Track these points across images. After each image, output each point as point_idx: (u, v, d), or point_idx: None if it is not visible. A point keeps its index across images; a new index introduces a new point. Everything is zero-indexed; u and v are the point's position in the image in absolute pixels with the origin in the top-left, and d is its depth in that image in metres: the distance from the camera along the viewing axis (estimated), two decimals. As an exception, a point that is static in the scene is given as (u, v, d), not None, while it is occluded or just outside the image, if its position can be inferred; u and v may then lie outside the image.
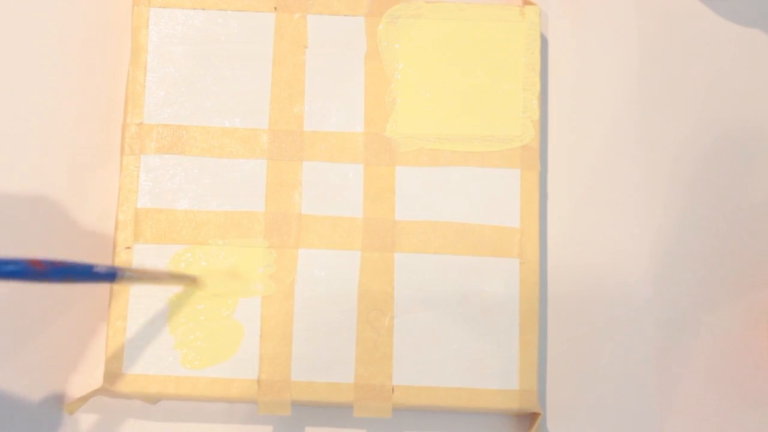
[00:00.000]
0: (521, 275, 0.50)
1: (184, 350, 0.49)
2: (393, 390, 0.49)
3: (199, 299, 0.49)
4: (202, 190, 0.50)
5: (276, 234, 0.50)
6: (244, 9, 0.52)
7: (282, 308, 0.49)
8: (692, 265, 0.53)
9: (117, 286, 0.49)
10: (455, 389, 0.49)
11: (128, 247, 0.50)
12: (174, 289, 0.49)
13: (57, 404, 0.50)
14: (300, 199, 0.51)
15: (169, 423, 0.50)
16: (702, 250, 0.53)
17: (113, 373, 0.48)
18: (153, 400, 0.50)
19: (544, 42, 0.54)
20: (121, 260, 0.49)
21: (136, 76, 0.51)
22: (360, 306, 0.50)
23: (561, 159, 0.53)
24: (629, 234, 0.53)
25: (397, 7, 0.52)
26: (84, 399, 0.49)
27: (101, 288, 0.51)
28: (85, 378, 0.50)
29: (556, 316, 0.52)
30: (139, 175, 0.50)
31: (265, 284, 0.50)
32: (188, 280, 0.49)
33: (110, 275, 0.42)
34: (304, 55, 0.52)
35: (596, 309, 0.52)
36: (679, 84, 0.54)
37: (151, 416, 0.51)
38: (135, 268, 0.47)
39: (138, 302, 0.49)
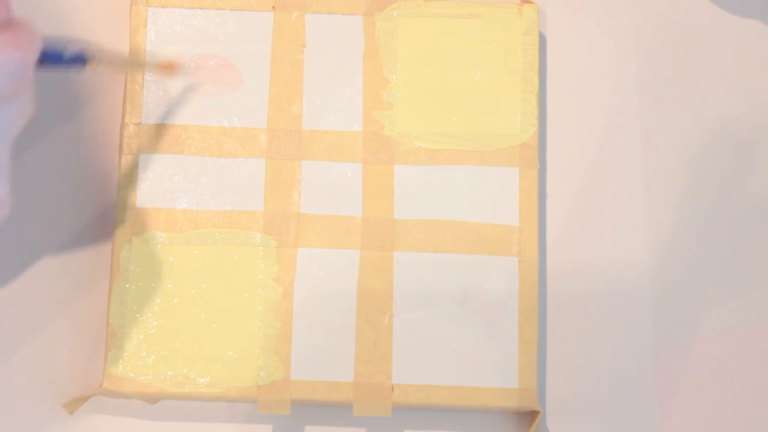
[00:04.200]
0: (520, 273, 0.50)
1: (184, 350, 0.49)
2: (392, 389, 0.49)
3: (201, 300, 0.49)
4: (200, 190, 0.50)
5: (275, 233, 0.50)
6: (242, 8, 0.52)
7: (281, 307, 0.49)
8: (692, 263, 0.53)
9: (117, 286, 0.49)
10: (455, 388, 0.49)
11: (127, 247, 0.50)
12: (175, 290, 0.49)
13: (57, 404, 0.50)
14: (299, 198, 0.51)
15: (169, 423, 0.50)
16: (702, 248, 0.53)
17: (113, 373, 0.48)
18: (153, 400, 0.50)
19: (542, 40, 0.54)
20: (119, 260, 0.49)
21: (134, 75, 0.51)
22: (359, 305, 0.50)
23: (560, 157, 0.53)
24: (629, 232, 0.53)
25: (395, 6, 0.52)
26: (84, 399, 0.49)
27: (101, 288, 0.51)
28: (85, 378, 0.50)
29: (555, 314, 0.52)
30: (137, 174, 0.50)
31: (265, 284, 0.50)
32: (166, 67, 0.50)
33: (80, 59, 0.42)
34: (303, 54, 0.52)
35: (596, 307, 0.52)
36: (679, 81, 0.54)
37: (151, 416, 0.51)
38: (109, 52, 0.46)
39: (138, 302, 0.49)
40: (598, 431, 0.51)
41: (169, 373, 0.49)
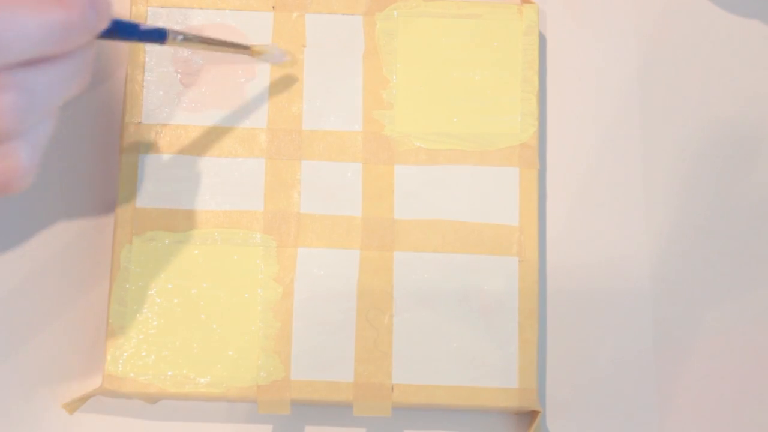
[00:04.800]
0: (520, 273, 0.50)
1: (184, 350, 0.49)
2: (392, 389, 0.49)
3: (200, 300, 0.49)
4: (200, 190, 0.50)
5: (275, 233, 0.50)
6: (242, 8, 0.52)
7: (281, 307, 0.49)
8: (692, 263, 0.53)
9: (117, 286, 0.49)
10: (455, 387, 0.49)
11: (127, 247, 0.50)
12: (175, 290, 0.49)
13: (57, 404, 0.50)
14: (299, 198, 0.51)
15: (169, 423, 0.50)
16: (702, 248, 0.53)
17: (113, 373, 0.48)
18: (153, 400, 0.50)
19: (542, 40, 0.54)
20: (119, 260, 0.49)
21: (134, 75, 0.51)
22: (359, 305, 0.50)
23: (560, 157, 0.53)
24: (628, 232, 0.53)
25: (395, 6, 0.52)
26: (84, 399, 0.49)
27: (101, 288, 0.51)
28: (85, 378, 0.50)
29: (555, 314, 0.52)
30: (137, 174, 0.50)
31: (265, 283, 0.50)
32: (241, 49, 0.49)
33: (159, 34, 0.42)
34: (303, 54, 0.52)
35: (595, 307, 0.52)
36: (679, 81, 0.54)
37: (151, 416, 0.51)
38: (188, 32, 0.46)
39: (138, 302, 0.49)
40: (598, 431, 0.51)
41: (169, 373, 0.49)
